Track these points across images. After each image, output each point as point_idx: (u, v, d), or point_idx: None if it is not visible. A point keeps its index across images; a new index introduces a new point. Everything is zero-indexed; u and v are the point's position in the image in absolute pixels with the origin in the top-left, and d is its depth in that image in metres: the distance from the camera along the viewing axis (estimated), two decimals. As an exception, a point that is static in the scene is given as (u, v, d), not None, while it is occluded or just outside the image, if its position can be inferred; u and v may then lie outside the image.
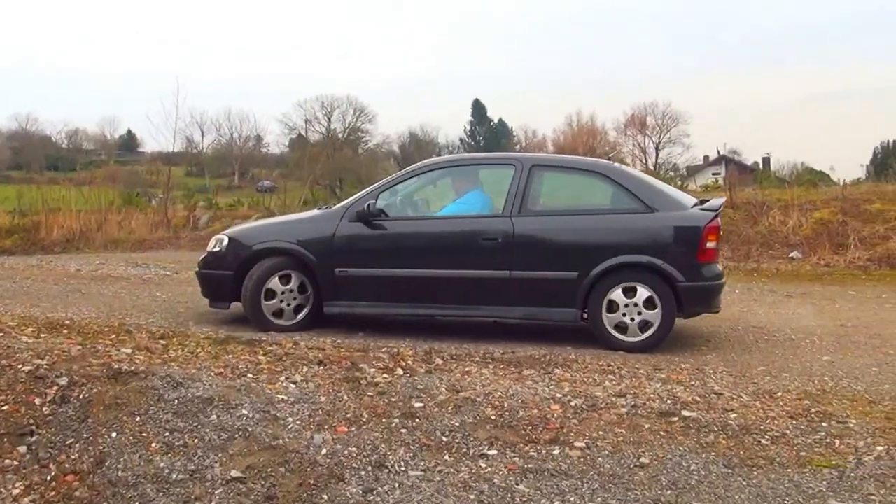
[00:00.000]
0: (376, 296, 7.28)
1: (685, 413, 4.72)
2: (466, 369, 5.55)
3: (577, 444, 4.24)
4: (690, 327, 7.67)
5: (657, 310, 6.74)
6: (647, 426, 4.51)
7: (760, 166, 49.30)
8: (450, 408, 4.64)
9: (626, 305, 6.78)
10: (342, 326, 7.39)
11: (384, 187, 7.48)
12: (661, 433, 4.42)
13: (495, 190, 7.34)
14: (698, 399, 5.04)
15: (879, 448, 4.28)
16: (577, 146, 50.41)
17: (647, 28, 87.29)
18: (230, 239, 7.70)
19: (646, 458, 4.10)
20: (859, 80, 76.60)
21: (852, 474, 3.94)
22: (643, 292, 6.76)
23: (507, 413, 4.60)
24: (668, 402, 4.93)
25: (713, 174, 45.91)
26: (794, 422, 4.69)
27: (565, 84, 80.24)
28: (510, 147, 61.47)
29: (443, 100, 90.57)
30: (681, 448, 4.22)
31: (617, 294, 6.79)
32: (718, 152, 53.49)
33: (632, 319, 6.77)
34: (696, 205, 7.08)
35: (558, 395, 4.94)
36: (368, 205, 7.23)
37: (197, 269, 7.90)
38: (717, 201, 7.22)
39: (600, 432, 4.40)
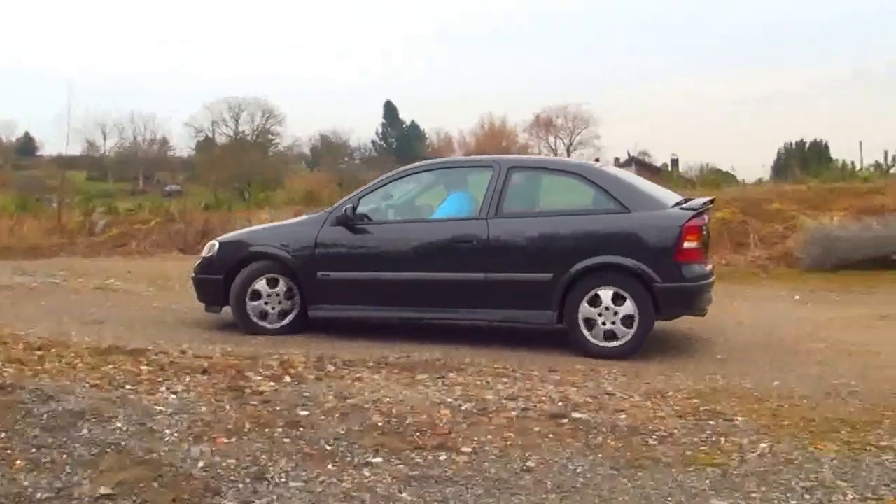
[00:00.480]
0: (358, 299, 7.28)
1: (575, 415, 4.69)
2: (358, 375, 5.44)
3: (464, 449, 4.15)
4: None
5: (634, 313, 6.59)
6: (536, 429, 4.46)
7: (669, 167, 50.30)
8: (336, 415, 4.52)
9: (603, 309, 6.63)
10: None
11: (366, 191, 7.52)
12: (550, 436, 4.37)
13: (476, 193, 7.30)
14: (590, 400, 5.02)
15: (763, 445, 4.31)
16: (488, 148, 50.71)
17: (562, 31, 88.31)
18: (221, 244, 7.83)
19: (533, 461, 4.04)
20: (771, 86, 78.78)
21: (735, 472, 3.94)
22: (619, 295, 6.62)
23: (395, 419, 4.50)
24: (560, 403, 4.90)
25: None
26: (683, 421, 4.70)
27: (479, 87, 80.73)
28: (422, 150, 61.46)
29: (354, 102, 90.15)
30: (569, 450, 4.18)
31: (594, 297, 6.66)
32: (629, 154, 54.37)
33: (607, 323, 6.62)
34: (677, 204, 6.96)
35: (449, 400, 4.86)
36: (347, 209, 7.27)
37: (192, 274, 7.95)
38: (699, 200, 7.13)
39: (489, 436, 4.33)
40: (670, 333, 7.64)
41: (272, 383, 5.08)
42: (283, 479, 3.79)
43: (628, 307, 6.59)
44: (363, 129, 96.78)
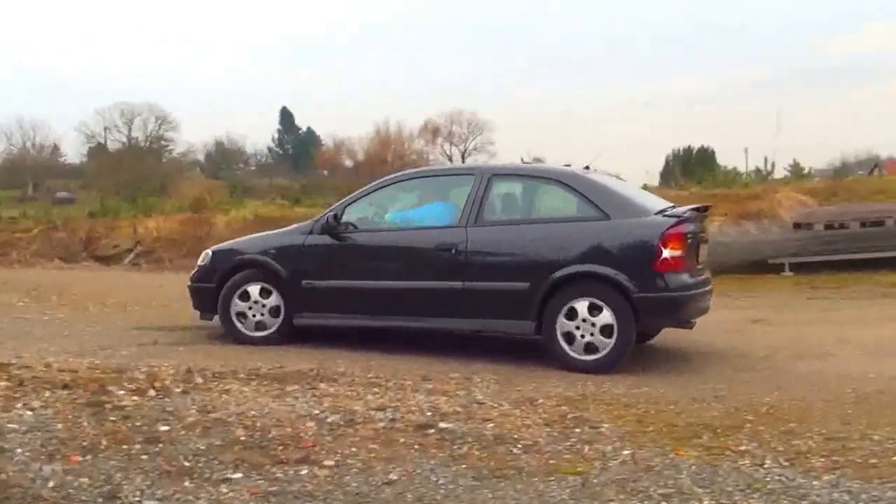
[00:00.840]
0: (341, 308, 7.28)
1: (443, 425, 4.68)
2: (226, 387, 5.33)
3: (326, 462, 4.09)
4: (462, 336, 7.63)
5: (612, 323, 6.43)
6: (402, 440, 4.43)
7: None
8: (198, 430, 4.40)
9: (582, 319, 6.49)
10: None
11: (351, 200, 7.51)
12: (415, 447, 4.35)
13: (458, 201, 7.21)
14: (459, 410, 5.03)
15: (625, 452, 4.37)
16: (383, 154, 50.77)
17: (459, 36, 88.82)
18: (214, 253, 7.88)
19: (395, 473, 4.00)
20: (666, 91, 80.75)
21: (595, 480, 3.98)
22: (598, 305, 6.48)
23: (259, 433, 4.41)
24: (429, 413, 4.89)
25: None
26: (549, 429, 4.74)
27: (376, 93, 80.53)
28: (319, 155, 60.97)
29: (250, 108, 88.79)
30: (432, 461, 4.16)
31: (571, 307, 6.52)
32: (522, 160, 55.08)
33: (586, 335, 6.48)
34: (661, 211, 6.82)
35: (316, 412, 4.79)
36: (329, 217, 7.30)
37: (188, 283, 7.98)
38: (683, 208, 6.96)
39: (353, 449, 4.28)
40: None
41: (135, 397, 4.92)
42: (136, 498, 3.67)
43: (606, 318, 6.44)
44: (259, 136, 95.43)
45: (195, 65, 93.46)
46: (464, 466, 4.11)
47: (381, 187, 7.70)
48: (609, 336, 6.44)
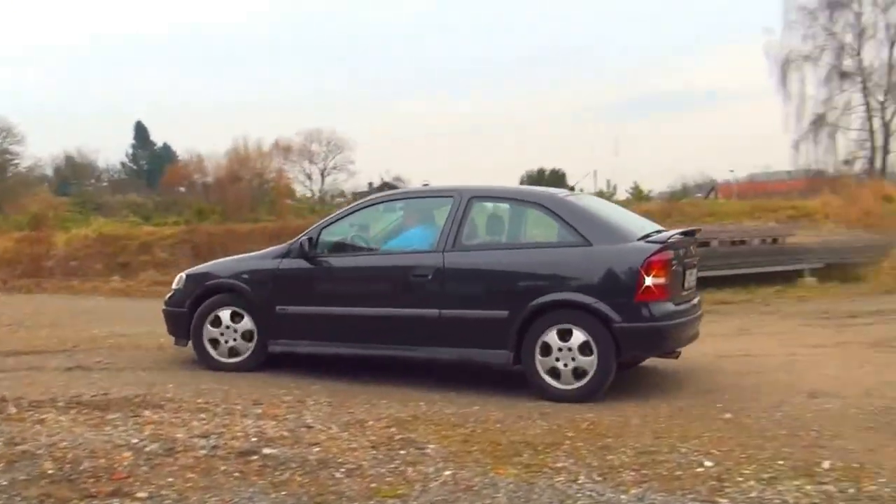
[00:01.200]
0: (315, 335, 7.05)
1: (267, 450, 4.62)
2: (42, 417, 5.11)
3: (139, 494, 3.97)
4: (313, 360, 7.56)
5: (593, 354, 6.21)
6: (222, 468, 4.35)
7: (423, 194, 51.53)
8: (1, 464, 4.20)
9: (560, 349, 6.27)
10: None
11: (326, 223, 7.27)
12: (236, 475, 4.27)
13: (438, 224, 6.96)
14: (286, 434, 4.97)
15: (447, 473, 4.41)
16: (241, 171, 49.75)
17: (320, 54, 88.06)
18: (187, 276, 7.61)
19: (212, 503, 3.93)
20: (526, 112, 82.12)
21: (414, 502, 4.02)
22: (578, 335, 6.25)
23: (70, 465, 4.24)
24: (254, 439, 4.81)
25: (377, 201, 47.10)
26: (375, 451, 4.74)
27: (235, 107, 78.89)
28: (172, 171, 59.29)
29: (103, 121, 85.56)
30: (251, 489, 4.09)
31: (551, 336, 6.30)
32: (382, 179, 55.18)
33: (566, 365, 6.26)
34: (645, 236, 6.56)
35: (135, 441, 4.65)
36: (304, 241, 7.06)
37: (163, 307, 7.71)
38: (669, 232, 6.74)
39: (170, 479, 4.17)
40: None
41: (-61, 431, 4.66)
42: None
43: (588, 348, 6.24)
44: (111, 151, 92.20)
45: (42, 74, 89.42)
46: (284, 493, 4.07)
47: (359, 209, 7.50)
48: (588, 367, 6.24)
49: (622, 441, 5.00)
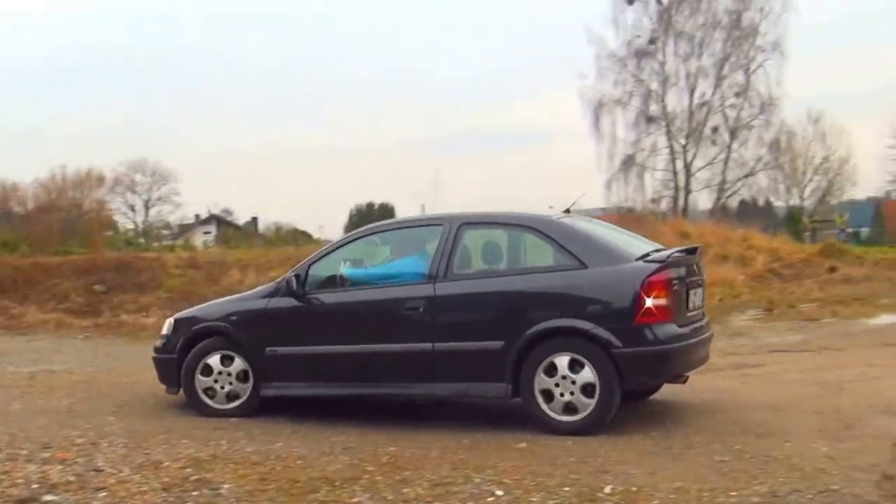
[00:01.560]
0: (308, 376, 6.77)
1: (48, 497, 4.45)
2: None
3: None
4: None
5: (594, 382, 5.94)
6: (-4, 518, 4.14)
7: (254, 227, 50.71)
8: None
9: (560, 379, 6.00)
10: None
11: (315, 258, 7.01)
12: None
13: (429, 253, 6.64)
14: (72, 479, 4.79)
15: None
16: (59, 201, 47.45)
17: (137, 78, 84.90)
18: (176, 321, 7.33)
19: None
20: (354, 141, 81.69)
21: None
22: (577, 362, 6.00)
23: None
24: (35, 486, 4.61)
25: (204, 233, 46.11)
26: (166, 494, 4.63)
27: (53, 134, 75.00)
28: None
29: None
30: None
31: (549, 366, 6.04)
32: (209, 211, 53.97)
33: (566, 394, 5.99)
34: (643, 256, 6.31)
35: None
36: (290, 280, 6.76)
37: (152, 354, 7.43)
38: (669, 251, 6.48)
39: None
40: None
41: None
42: None
43: (587, 376, 5.97)
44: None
45: None
46: (59, 543, 3.91)
47: (346, 243, 7.22)
48: (591, 395, 5.99)
49: (420, 473, 5.06)
